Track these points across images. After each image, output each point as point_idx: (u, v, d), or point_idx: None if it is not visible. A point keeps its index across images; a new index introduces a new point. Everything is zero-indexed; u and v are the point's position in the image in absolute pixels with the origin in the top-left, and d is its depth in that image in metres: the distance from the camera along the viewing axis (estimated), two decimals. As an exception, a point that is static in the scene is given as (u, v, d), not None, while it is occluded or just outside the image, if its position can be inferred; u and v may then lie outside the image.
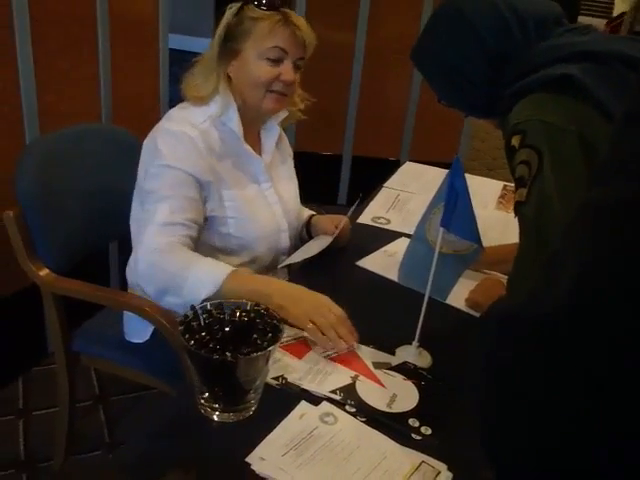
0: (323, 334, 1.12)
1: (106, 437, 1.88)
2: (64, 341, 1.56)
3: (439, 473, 0.90)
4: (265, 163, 1.47)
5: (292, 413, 0.98)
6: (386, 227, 1.70)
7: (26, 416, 1.93)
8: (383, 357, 1.14)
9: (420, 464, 0.91)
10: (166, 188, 1.31)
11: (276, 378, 1.05)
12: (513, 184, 1.07)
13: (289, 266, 1.53)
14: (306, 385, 1.04)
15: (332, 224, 1.54)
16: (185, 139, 1.33)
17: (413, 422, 0.99)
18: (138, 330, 1.50)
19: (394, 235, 1.64)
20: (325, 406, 1.00)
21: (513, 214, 1.07)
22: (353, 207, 1.55)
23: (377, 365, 1.11)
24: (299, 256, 1.47)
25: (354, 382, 1.06)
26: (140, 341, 1.51)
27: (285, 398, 1.01)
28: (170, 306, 1.27)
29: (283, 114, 1.50)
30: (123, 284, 1.63)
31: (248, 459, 0.88)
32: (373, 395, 1.03)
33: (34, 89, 1.97)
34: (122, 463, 0.95)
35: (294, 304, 1.14)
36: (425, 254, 1.11)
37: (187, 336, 0.92)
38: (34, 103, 1.98)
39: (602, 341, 0.39)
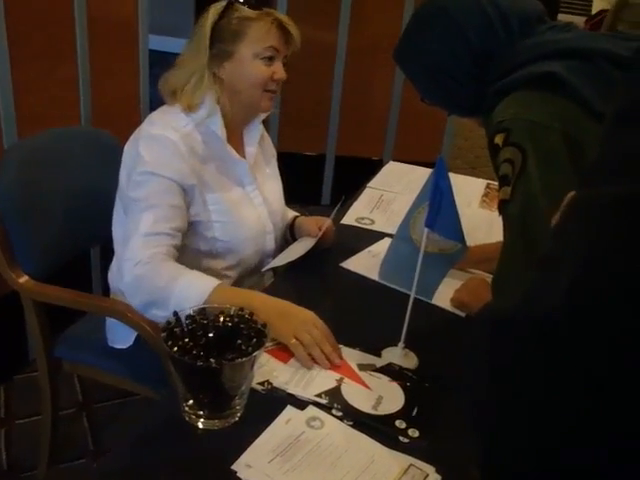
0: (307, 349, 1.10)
1: (90, 445, 1.86)
2: (46, 348, 1.53)
3: (427, 476, 0.89)
4: (249, 165, 1.46)
5: (278, 418, 0.97)
6: (370, 228, 1.70)
7: (8, 425, 1.90)
8: (368, 359, 1.13)
9: (408, 467, 0.90)
10: (150, 197, 1.29)
11: (261, 383, 1.03)
12: (496, 182, 1.07)
13: (274, 268, 1.52)
14: (292, 389, 1.03)
15: (316, 226, 1.53)
16: (167, 143, 1.31)
17: (400, 424, 0.98)
18: (121, 336, 1.48)
19: (378, 235, 1.63)
20: (311, 410, 0.99)
21: (497, 212, 1.07)
22: (336, 208, 1.54)
23: (362, 367, 1.10)
24: (283, 259, 1.46)
25: (339, 385, 1.05)
26: (123, 347, 1.48)
27: (271, 403, 1.00)
28: (156, 318, 1.25)
29: (265, 113, 1.49)
30: (106, 289, 1.61)
31: (234, 467, 0.87)
32: (358, 398, 1.02)
33: (11, 92, 1.94)
34: (107, 471, 0.93)
35: (279, 319, 1.12)
36: (410, 253, 1.10)
37: (170, 343, 0.90)
38: (11, 106, 1.94)
39: (602, 341, 0.39)
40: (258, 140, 1.50)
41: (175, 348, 0.90)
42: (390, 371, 1.10)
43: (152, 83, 2.55)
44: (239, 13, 1.35)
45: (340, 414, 0.99)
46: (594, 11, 5.75)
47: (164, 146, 1.31)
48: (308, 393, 1.02)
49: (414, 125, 3.34)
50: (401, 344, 1.15)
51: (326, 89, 3.32)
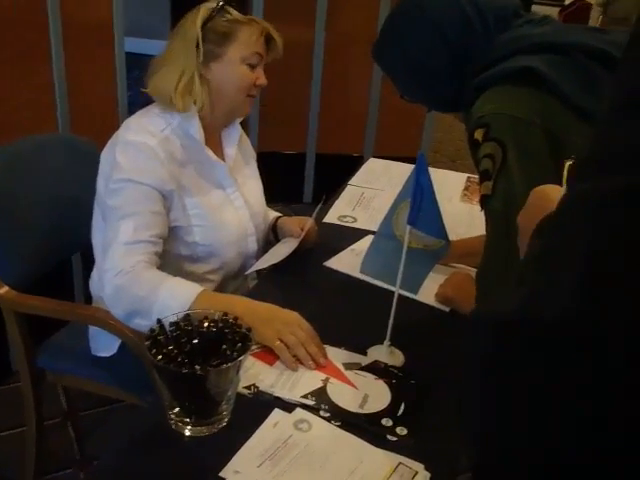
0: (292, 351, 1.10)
1: (77, 454, 1.84)
2: (28, 359, 1.51)
3: (417, 473, 0.89)
4: (228, 167, 1.45)
5: (265, 422, 0.96)
6: (352, 225, 1.70)
7: (-7, 437, 1.87)
8: (354, 358, 1.13)
9: (397, 465, 0.90)
10: (129, 204, 1.28)
11: (247, 387, 1.03)
12: (476, 175, 1.07)
13: (258, 271, 1.51)
14: (278, 392, 1.02)
15: (298, 226, 1.53)
16: (145, 149, 1.30)
17: (386, 422, 0.98)
18: (105, 344, 1.46)
19: (361, 233, 1.63)
20: (299, 413, 0.99)
21: (478, 206, 1.07)
22: (318, 207, 1.54)
23: (348, 366, 1.10)
24: (266, 261, 1.45)
25: (325, 385, 1.05)
26: (107, 355, 1.47)
27: (258, 407, 1.00)
28: (139, 327, 1.24)
29: (243, 116, 1.49)
30: (87, 297, 1.60)
31: (222, 473, 0.87)
32: (345, 397, 1.02)
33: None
34: (93, 483, 0.92)
35: (263, 324, 1.11)
36: (394, 249, 1.10)
37: (154, 351, 0.89)
38: (-14, 114, 1.92)
39: (613, 341, 0.38)
40: (237, 141, 1.49)
41: (159, 356, 0.89)
42: (375, 369, 1.10)
43: (130, 86, 2.53)
44: (230, 15, 1.35)
45: (327, 415, 0.99)
46: (568, 1, 5.80)
47: (141, 152, 1.30)
48: (294, 395, 1.02)
49: (393, 120, 3.35)
50: (387, 342, 1.15)
51: (305, 87, 3.31)
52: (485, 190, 1.03)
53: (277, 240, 1.60)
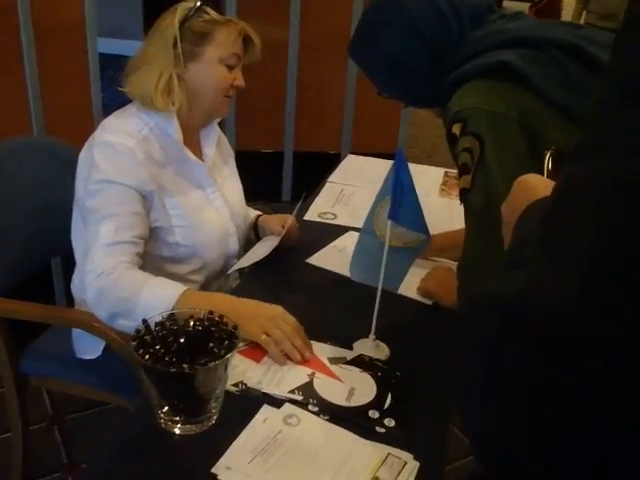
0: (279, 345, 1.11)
1: (64, 458, 1.83)
2: (12, 364, 1.50)
3: (406, 464, 0.91)
4: (207, 167, 1.45)
5: (255, 419, 0.97)
6: (333, 222, 1.71)
7: (-23, 444, 1.85)
8: (339, 352, 1.14)
9: (387, 456, 0.92)
10: (108, 206, 1.27)
11: (235, 384, 1.04)
12: (454, 170, 1.09)
13: (240, 270, 1.51)
14: (266, 388, 1.03)
15: (279, 224, 1.53)
16: (123, 150, 1.30)
17: (373, 414, 1.00)
18: (89, 346, 1.46)
19: (342, 230, 1.64)
20: (287, 408, 1.00)
21: (457, 200, 1.09)
22: (298, 205, 1.55)
23: (333, 360, 1.11)
24: (248, 260, 1.46)
25: (312, 380, 1.06)
26: (92, 357, 1.46)
27: (246, 404, 1.00)
28: (123, 329, 1.23)
29: (220, 117, 1.49)
30: (69, 300, 1.59)
31: (214, 470, 0.87)
32: (331, 391, 1.04)
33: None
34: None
35: (248, 320, 1.12)
36: (375, 248, 1.12)
37: (141, 351, 0.90)
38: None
39: (614, 340, 0.37)
40: (215, 141, 1.49)
41: (147, 356, 0.89)
42: (361, 363, 1.12)
43: (104, 87, 2.51)
44: (208, 16, 1.35)
45: (316, 409, 1.00)
46: (538, -3, 5.86)
47: (120, 153, 1.29)
48: (282, 391, 1.03)
49: (370, 117, 3.36)
50: (372, 335, 1.16)
51: (281, 86, 3.31)
52: (464, 184, 1.05)
53: (258, 239, 1.60)
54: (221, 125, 1.57)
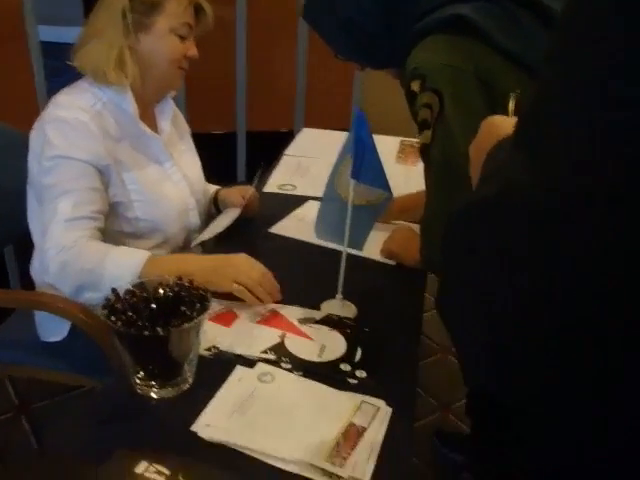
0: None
1: (34, 445, 1.81)
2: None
3: (379, 409, 0.94)
4: (164, 141, 1.45)
5: (230, 379, 0.99)
6: (293, 193, 1.73)
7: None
8: (308, 313, 1.16)
9: (360, 404, 0.95)
10: (65, 181, 1.26)
11: (208, 349, 1.05)
12: (409, 138, 1.12)
13: (203, 243, 1.52)
14: (238, 350, 1.05)
15: (239, 195, 1.54)
16: (77, 124, 1.28)
17: (345, 367, 1.02)
18: (53, 329, 1.44)
19: (302, 199, 1.66)
20: (261, 367, 1.02)
21: (413, 167, 1.12)
22: (257, 175, 1.56)
23: (302, 321, 1.14)
24: (210, 232, 1.46)
25: (282, 340, 1.08)
26: (58, 339, 1.45)
27: (220, 366, 1.02)
28: (90, 301, 1.24)
29: (175, 90, 1.48)
30: (26, 287, 1.56)
31: (194, 428, 0.88)
32: (303, 349, 1.06)
33: None
34: (60, 455, 0.92)
35: (217, 274, 1.15)
36: (339, 209, 1.14)
37: (113, 318, 0.90)
38: None
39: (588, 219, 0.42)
40: (171, 115, 1.48)
41: (119, 323, 0.90)
42: (330, 321, 1.15)
43: (47, 76, 2.45)
44: None
45: (289, 366, 1.02)
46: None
47: (74, 128, 1.28)
48: (254, 351, 1.05)
49: (321, 94, 3.37)
50: (339, 295, 1.19)
51: (230, 66, 3.29)
52: (424, 139, 1.07)
53: (219, 213, 1.61)
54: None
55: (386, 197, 1.14)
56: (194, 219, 1.51)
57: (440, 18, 1.06)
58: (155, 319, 0.92)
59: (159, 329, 0.89)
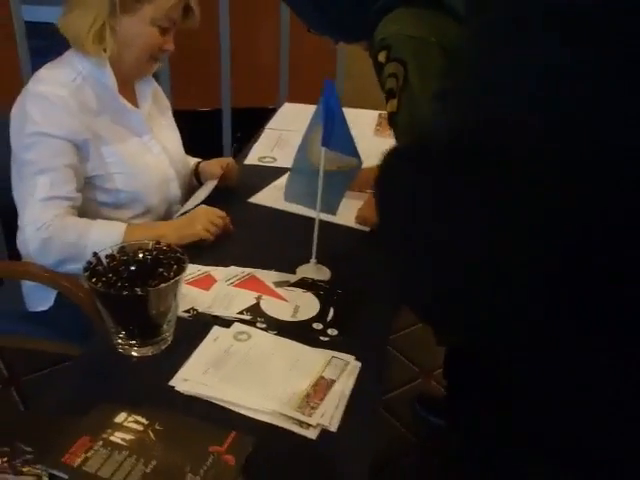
0: None
1: (24, 413, 1.86)
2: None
3: (348, 363, 0.99)
4: (143, 115, 1.48)
5: (207, 338, 1.04)
6: (273, 165, 1.76)
7: None
8: (283, 277, 1.21)
9: (331, 359, 1.00)
10: (43, 159, 1.30)
11: (187, 311, 1.10)
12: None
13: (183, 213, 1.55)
14: (216, 312, 1.10)
15: (218, 166, 1.58)
16: (55, 100, 1.31)
17: (317, 325, 1.08)
18: (40, 298, 1.48)
19: (281, 171, 1.69)
20: (237, 326, 1.07)
21: (391, 139, 1.16)
22: (234, 145, 1.60)
23: (278, 284, 1.19)
24: (192, 203, 1.50)
25: (258, 302, 1.13)
26: (44, 309, 1.49)
27: (198, 327, 1.07)
28: (72, 272, 1.30)
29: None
30: (13, 259, 1.59)
31: (172, 382, 0.93)
32: (277, 309, 1.11)
33: None
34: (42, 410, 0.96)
35: (186, 228, 1.32)
36: (309, 174, 1.18)
37: (94, 280, 0.95)
38: None
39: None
40: (150, 93, 1.51)
41: (99, 284, 0.94)
42: (304, 284, 1.19)
43: (33, 55, 2.46)
44: None
45: (264, 326, 1.07)
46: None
47: (52, 103, 1.31)
48: (231, 312, 1.10)
49: (305, 70, 3.39)
50: (313, 259, 1.24)
51: (214, 43, 3.29)
52: (391, 108, 1.11)
53: (200, 185, 1.65)
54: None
55: (356, 164, 1.18)
56: (174, 190, 1.55)
57: None
58: (134, 280, 0.97)
59: (137, 289, 0.94)
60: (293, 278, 1.21)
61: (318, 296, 1.16)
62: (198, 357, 0.99)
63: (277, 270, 1.23)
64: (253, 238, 1.31)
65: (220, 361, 0.98)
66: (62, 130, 1.31)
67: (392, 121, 1.12)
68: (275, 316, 1.09)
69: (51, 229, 1.27)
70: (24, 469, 0.75)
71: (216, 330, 1.06)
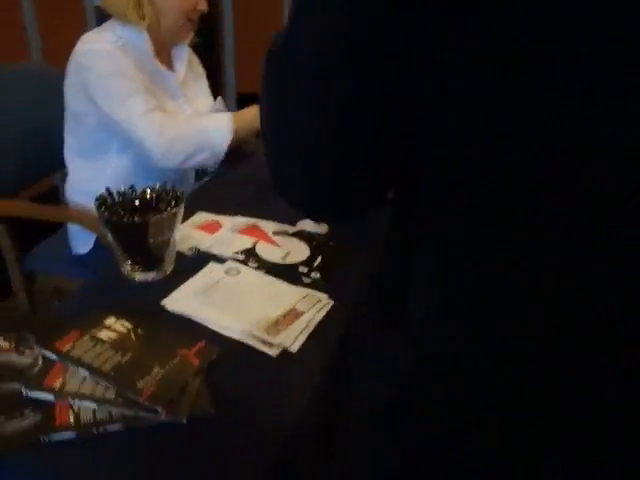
0: None
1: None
2: (18, 262, 1.72)
3: (320, 300, 1.09)
4: (178, 79, 1.62)
5: (202, 270, 1.17)
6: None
7: None
8: (283, 227, 1.33)
9: (306, 295, 1.10)
10: (124, 87, 1.45)
11: (190, 248, 1.23)
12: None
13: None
14: (214, 251, 1.23)
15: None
16: (108, 54, 1.46)
17: (302, 269, 1.18)
18: (82, 241, 1.66)
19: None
20: (230, 263, 1.19)
21: None
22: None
23: (276, 233, 1.30)
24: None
25: (254, 246, 1.25)
26: (85, 251, 1.67)
27: (197, 262, 1.20)
28: (201, 162, 1.51)
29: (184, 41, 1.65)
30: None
31: (163, 302, 1.07)
32: (270, 253, 1.23)
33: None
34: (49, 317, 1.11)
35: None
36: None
37: (103, 209, 1.10)
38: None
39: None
40: (186, 59, 1.66)
41: (106, 213, 1.09)
42: (301, 235, 1.30)
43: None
44: None
45: (255, 265, 1.19)
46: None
47: (108, 54, 1.46)
48: (228, 252, 1.22)
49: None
50: (311, 214, 1.34)
51: (219, 29, 3.37)
52: None
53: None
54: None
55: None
56: None
57: None
58: (137, 213, 1.11)
59: (137, 219, 1.08)
60: (292, 229, 1.32)
61: (310, 245, 1.26)
62: (190, 285, 1.12)
63: (279, 221, 1.35)
64: (258, 192, 1.42)
65: (208, 290, 1.11)
66: (126, 69, 1.46)
67: None
68: (266, 258, 1.21)
69: (168, 130, 1.45)
70: (25, 351, 0.91)
71: (211, 265, 1.18)
